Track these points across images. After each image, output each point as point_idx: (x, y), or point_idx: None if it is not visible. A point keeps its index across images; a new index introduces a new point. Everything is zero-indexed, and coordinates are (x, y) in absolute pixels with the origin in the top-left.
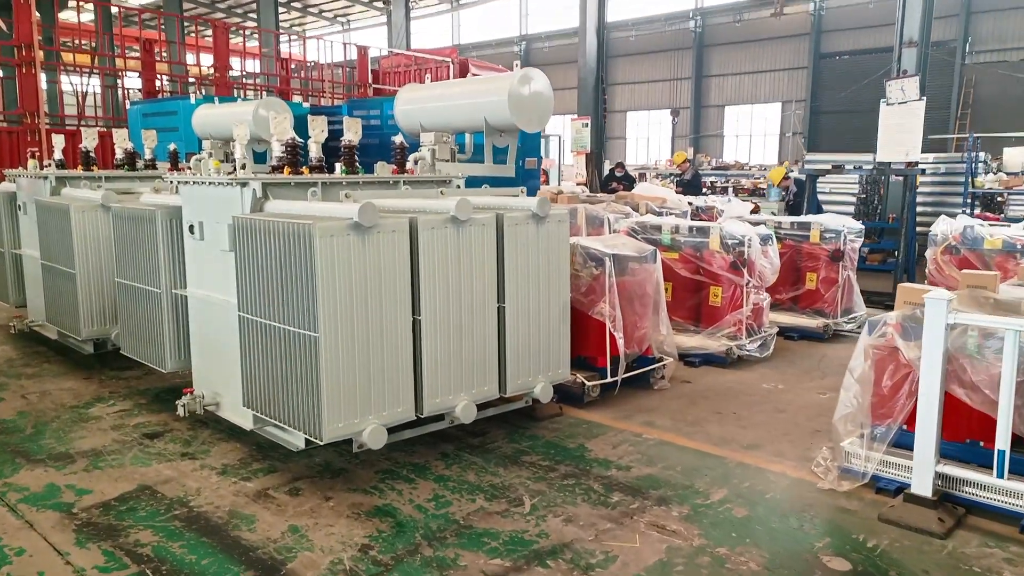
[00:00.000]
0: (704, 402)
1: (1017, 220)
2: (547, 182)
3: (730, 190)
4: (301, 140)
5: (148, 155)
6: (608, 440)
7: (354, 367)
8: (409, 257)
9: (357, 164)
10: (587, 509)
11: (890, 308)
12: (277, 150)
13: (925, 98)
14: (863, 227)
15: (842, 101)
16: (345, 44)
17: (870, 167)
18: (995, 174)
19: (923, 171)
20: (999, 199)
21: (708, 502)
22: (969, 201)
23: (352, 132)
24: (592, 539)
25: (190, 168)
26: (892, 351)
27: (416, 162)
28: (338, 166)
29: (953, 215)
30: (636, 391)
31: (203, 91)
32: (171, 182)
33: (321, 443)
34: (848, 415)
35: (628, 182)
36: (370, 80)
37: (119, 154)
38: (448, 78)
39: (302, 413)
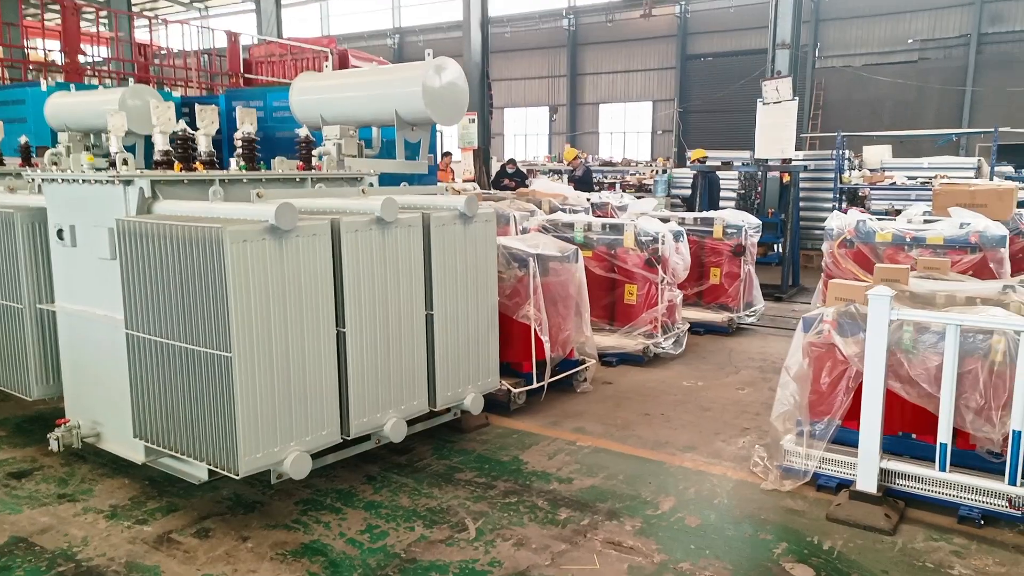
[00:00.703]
0: (629, 404)
1: (879, 213)
2: (454, 179)
3: (617, 186)
4: (192, 132)
5: None
6: (542, 450)
7: (273, 389)
8: (331, 263)
9: (258, 159)
10: (536, 529)
11: (779, 300)
12: (161, 143)
13: (797, 98)
14: (761, 222)
15: (708, 101)
16: (212, 30)
17: (750, 165)
18: (859, 171)
19: (806, 167)
20: (860, 194)
21: (659, 512)
22: (839, 196)
23: (249, 123)
24: (548, 564)
25: (55, 165)
26: (830, 348)
27: (321, 157)
28: (233, 161)
29: (825, 210)
30: (560, 395)
31: (51, 78)
32: (32, 180)
33: (236, 477)
34: (786, 413)
35: (520, 179)
36: (242, 70)
37: None
38: (326, 68)
39: (212, 444)
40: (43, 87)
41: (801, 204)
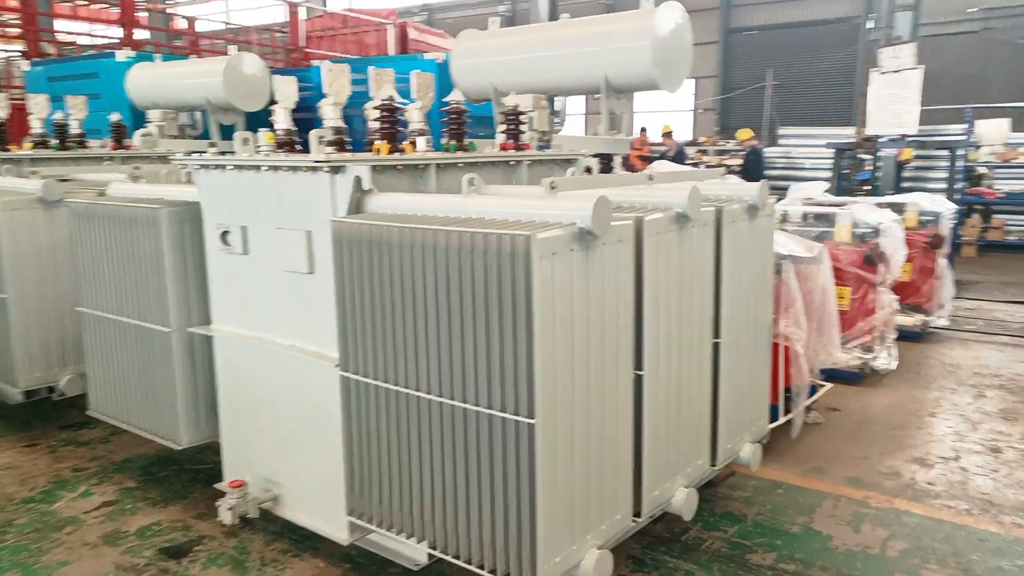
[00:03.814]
0: (885, 441)
1: (1015, 194)
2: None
3: (702, 167)
4: (402, 101)
5: (76, 128)
6: (833, 515)
7: (572, 465)
8: (632, 279)
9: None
10: None
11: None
12: (333, 118)
13: (923, 66)
14: (956, 208)
15: (754, 77)
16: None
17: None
18: (989, 147)
19: (975, 145)
20: (974, 173)
21: None
22: (966, 176)
23: (456, 92)
24: None
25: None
26: None
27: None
28: (421, 141)
29: (936, 191)
30: (787, 428)
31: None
32: (184, 165)
33: None
34: None
35: (605, 160)
36: (303, 43)
37: (37, 127)
38: (387, 43)
39: (493, 541)
40: (120, 57)
41: (907, 185)
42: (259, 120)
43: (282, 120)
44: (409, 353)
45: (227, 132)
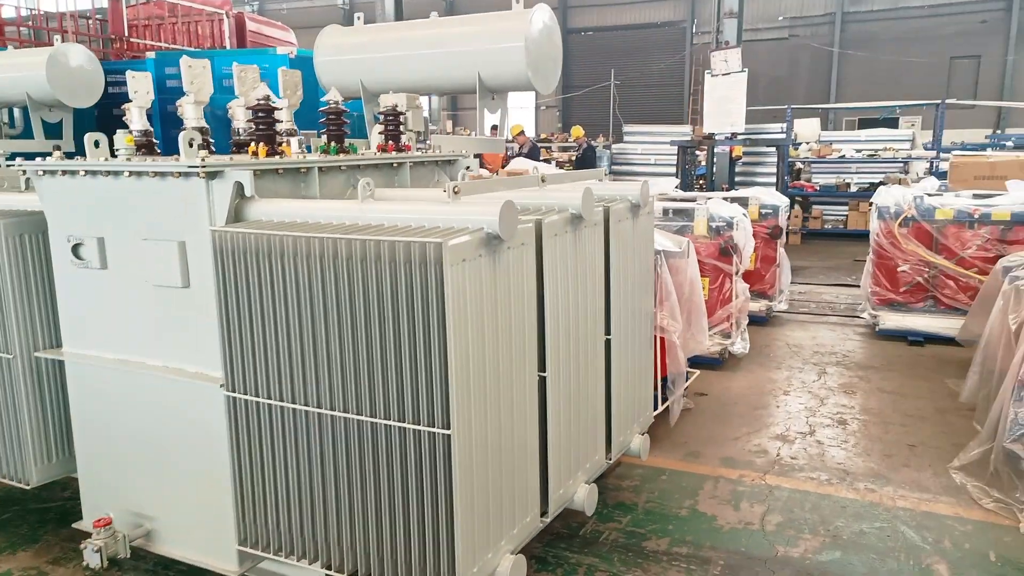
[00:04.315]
0: (748, 422)
1: (827, 187)
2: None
3: (552, 163)
4: (278, 99)
5: None
6: (715, 497)
7: (486, 471)
8: (535, 282)
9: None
10: None
11: None
12: (194, 118)
13: (747, 69)
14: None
15: (593, 76)
16: None
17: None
18: (807, 144)
19: (797, 143)
20: (795, 167)
21: None
22: (788, 171)
23: (333, 92)
24: None
25: None
26: None
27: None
28: (294, 142)
29: (763, 184)
30: (664, 415)
31: None
32: (23, 171)
33: None
34: None
35: None
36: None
37: None
38: (222, 34)
39: (408, 557)
40: None
41: (738, 179)
42: (88, 117)
43: (137, 120)
44: (307, 369)
45: (53, 130)
